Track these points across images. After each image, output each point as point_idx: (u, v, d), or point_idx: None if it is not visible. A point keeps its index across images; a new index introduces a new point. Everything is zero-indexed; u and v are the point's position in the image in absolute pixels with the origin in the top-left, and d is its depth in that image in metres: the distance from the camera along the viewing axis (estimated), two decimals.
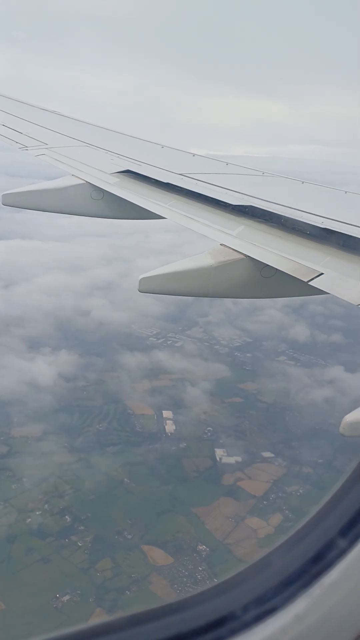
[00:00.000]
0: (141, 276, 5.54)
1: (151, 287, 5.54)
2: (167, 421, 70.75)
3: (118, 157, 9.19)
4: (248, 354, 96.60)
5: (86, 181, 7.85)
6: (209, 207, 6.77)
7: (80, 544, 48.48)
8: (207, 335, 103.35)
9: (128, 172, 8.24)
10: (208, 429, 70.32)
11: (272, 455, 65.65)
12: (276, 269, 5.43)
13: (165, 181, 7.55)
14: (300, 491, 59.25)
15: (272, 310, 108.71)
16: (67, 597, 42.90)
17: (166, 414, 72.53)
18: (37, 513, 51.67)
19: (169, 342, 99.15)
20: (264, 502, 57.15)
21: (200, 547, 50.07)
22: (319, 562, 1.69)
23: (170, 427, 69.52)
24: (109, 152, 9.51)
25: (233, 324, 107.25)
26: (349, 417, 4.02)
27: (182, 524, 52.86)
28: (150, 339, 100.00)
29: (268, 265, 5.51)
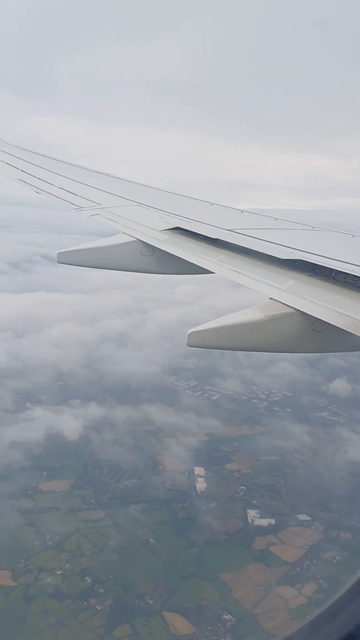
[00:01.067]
0: (190, 330, 5.49)
1: (200, 341, 5.48)
2: (199, 478, 68.43)
3: (168, 215, 9.45)
4: (288, 409, 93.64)
5: (137, 238, 8.09)
6: (257, 261, 6.85)
7: (98, 608, 46.33)
8: (245, 388, 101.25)
9: (178, 229, 8.45)
10: (241, 487, 67.49)
11: (309, 518, 62.05)
12: (328, 323, 5.36)
13: (213, 237, 7.72)
14: (337, 558, 55.35)
15: (292, 363, 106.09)
16: None
17: (198, 470, 70.29)
18: (58, 572, 50.01)
19: (205, 395, 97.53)
20: (297, 570, 53.56)
21: (226, 617, 46.96)
22: None
23: (201, 484, 67.14)
24: (160, 211, 9.79)
25: (270, 375, 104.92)
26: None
27: (207, 591, 49.96)
28: (187, 391, 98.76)
29: (319, 319, 5.44)
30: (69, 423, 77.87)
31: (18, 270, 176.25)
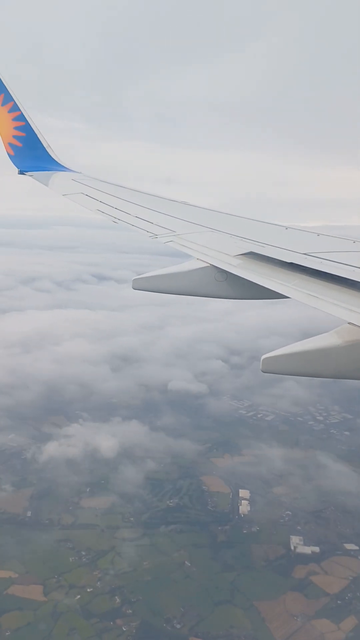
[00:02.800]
0: (264, 356, 5.45)
1: (274, 367, 5.43)
2: (243, 501, 66.48)
3: (241, 240, 9.48)
4: (346, 432, 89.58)
5: (210, 264, 8.18)
6: (335, 285, 6.64)
7: (124, 629, 45.60)
8: (301, 409, 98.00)
9: (251, 254, 8.43)
10: (287, 512, 64.81)
11: (357, 548, 58.53)
12: None
13: (288, 261, 7.60)
14: None
15: None
16: None
17: (243, 493, 68.34)
18: (88, 590, 49.83)
19: (259, 415, 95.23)
20: (338, 602, 50.45)
21: None
22: None
23: (244, 507, 65.16)
24: (233, 236, 9.87)
25: (333, 399, 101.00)
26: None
27: (239, 618, 47.96)
28: (240, 411, 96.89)
29: None
30: (116, 440, 78.55)
31: (61, 288, 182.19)
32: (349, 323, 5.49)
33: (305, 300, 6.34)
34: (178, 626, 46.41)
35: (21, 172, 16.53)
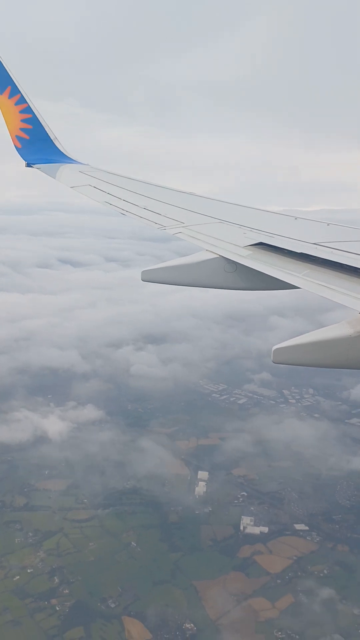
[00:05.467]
0: (275, 347, 5.44)
1: (285, 358, 5.44)
2: (200, 482, 66.52)
3: (250, 230, 9.47)
4: (316, 415, 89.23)
5: (220, 255, 8.15)
6: (346, 275, 6.65)
7: (57, 608, 45.91)
8: (276, 392, 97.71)
9: (261, 245, 8.43)
10: (242, 493, 64.81)
11: (306, 528, 58.48)
12: None
13: (298, 251, 7.62)
14: (325, 572, 51.67)
15: None
16: None
17: (202, 474, 68.38)
18: (29, 571, 50.11)
19: (232, 399, 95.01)
20: (278, 581, 50.50)
21: (187, 626, 44.97)
22: None
23: (201, 489, 65.21)
24: (242, 227, 9.85)
25: (308, 382, 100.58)
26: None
27: (176, 598, 48.15)
28: (214, 394, 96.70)
29: None
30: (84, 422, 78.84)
31: (14, 272, 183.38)
32: None
33: (316, 290, 6.33)
34: (112, 605, 46.68)
35: (29, 165, 16.55)
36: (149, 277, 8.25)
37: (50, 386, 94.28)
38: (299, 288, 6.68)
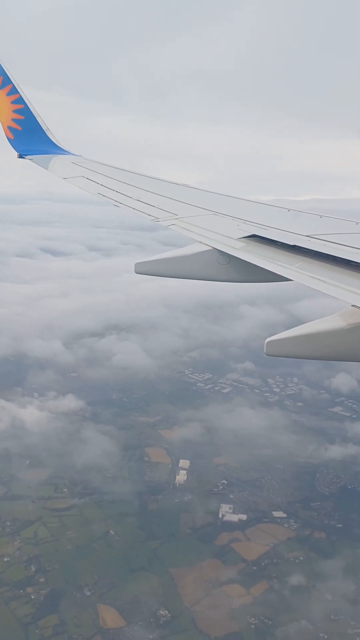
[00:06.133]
0: (268, 339, 5.44)
1: (278, 350, 5.45)
2: (181, 471, 66.78)
3: (244, 222, 9.47)
4: (299, 403, 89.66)
5: (213, 247, 8.16)
6: (338, 267, 6.66)
7: (33, 597, 46.12)
8: (260, 381, 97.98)
9: (254, 237, 8.43)
10: (222, 481, 65.14)
11: (284, 515, 58.92)
12: None
13: (291, 243, 7.64)
14: (301, 558, 52.16)
15: None
16: None
17: (183, 463, 68.63)
18: (5, 560, 50.25)
19: (216, 388, 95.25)
20: (254, 568, 50.91)
21: (162, 612, 45.32)
22: None
23: (181, 477, 65.46)
24: (235, 219, 9.85)
25: (293, 371, 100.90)
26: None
27: (152, 585, 48.47)
28: (199, 384, 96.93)
29: None
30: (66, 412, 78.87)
31: None
32: (353, 305, 5.46)
33: (309, 282, 6.33)
34: (88, 593, 46.92)
35: (21, 156, 16.49)
36: (142, 270, 8.24)
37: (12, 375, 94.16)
38: (291, 280, 6.70)
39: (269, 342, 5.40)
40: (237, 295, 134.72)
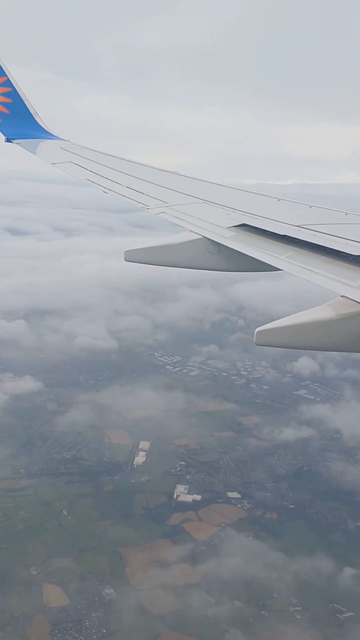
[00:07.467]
0: (258, 329, 5.39)
1: (268, 340, 5.39)
2: (140, 452, 67.02)
3: (234, 211, 9.48)
4: (265, 386, 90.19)
5: (203, 236, 8.14)
6: (328, 258, 6.66)
7: None
8: (229, 364, 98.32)
9: (244, 226, 8.41)
10: (180, 463, 65.49)
11: (239, 496, 59.49)
12: None
13: (281, 233, 7.62)
14: (250, 538, 52.73)
15: None
16: None
17: (143, 444, 68.83)
18: None
19: (184, 371, 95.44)
20: (203, 548, 51.41)
21: (107, 592, 45.68)
22: None
23: (140, 458, 65.71)
24: (225, 208, 9.85)
25: (262, 355, 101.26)
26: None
27: (100, 564, 48.78)
28: (167, 366, 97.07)
29: None
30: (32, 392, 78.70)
31: None
32: (342, 296, 5.50)
33: (298, 273, 6.33)
34: (34, 573, 47.09)
35: (8, 140, 16.22)
36: (132, 257, 8.22)
37: None
38: (280, 270, 6.71)
39: (259, 331, 5.37)
40: (180, 277, 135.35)
